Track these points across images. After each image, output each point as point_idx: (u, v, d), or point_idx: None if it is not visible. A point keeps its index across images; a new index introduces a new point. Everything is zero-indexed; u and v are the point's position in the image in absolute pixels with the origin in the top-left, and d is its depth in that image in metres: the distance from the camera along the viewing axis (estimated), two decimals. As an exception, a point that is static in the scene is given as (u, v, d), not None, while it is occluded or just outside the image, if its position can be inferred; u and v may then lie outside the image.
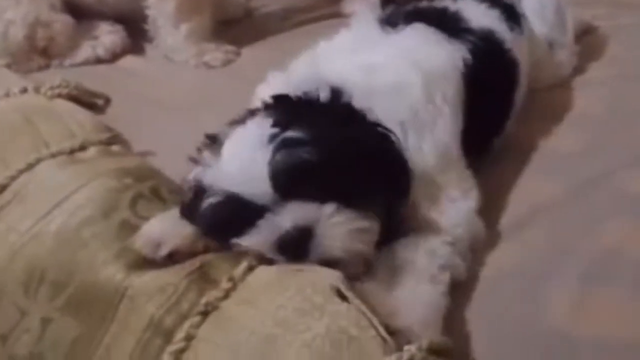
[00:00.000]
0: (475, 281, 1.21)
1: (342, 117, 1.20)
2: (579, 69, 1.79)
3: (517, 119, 1.57)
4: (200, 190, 1.15)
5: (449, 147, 1.30)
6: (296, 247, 1.10)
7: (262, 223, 1.10)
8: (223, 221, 1.13)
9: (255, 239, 1.12)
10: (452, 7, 1.57)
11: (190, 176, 1.19)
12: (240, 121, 1.20)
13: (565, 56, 1.78)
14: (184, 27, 1.99)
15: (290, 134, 1.12)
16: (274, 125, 1.13)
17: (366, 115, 1.21)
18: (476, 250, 1.24)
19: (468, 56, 1.42)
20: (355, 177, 1.13)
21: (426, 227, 1.20)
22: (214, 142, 1.19)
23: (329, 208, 1.09)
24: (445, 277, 1.15)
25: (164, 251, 1.18)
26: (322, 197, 1.10)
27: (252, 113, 1.21)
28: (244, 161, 1.11)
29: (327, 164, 1.11)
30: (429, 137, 1.27)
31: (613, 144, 1.52)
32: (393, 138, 1.20)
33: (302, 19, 2.21)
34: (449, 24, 1.48)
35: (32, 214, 1.28)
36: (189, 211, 1.18)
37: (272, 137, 1.11)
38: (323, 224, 1.09)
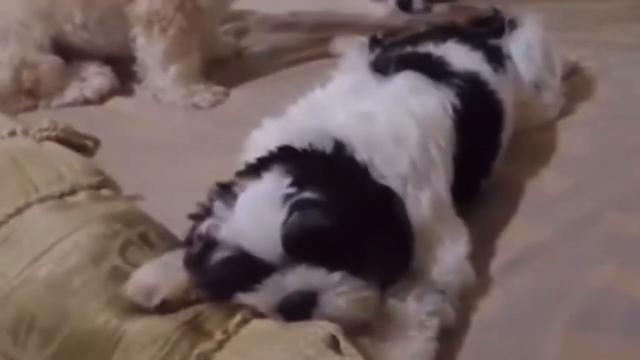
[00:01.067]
0: (466, 326, 1.21)
1: (353, 176, 1.20)
2: (565, 110, 1.80)
3: (504, 160, 1.58)
4: (210, 243, 1.14)
5: (443, 196, 1.31)
6: (298, 310, 1.10)
7: (268, 282, 1.10)
8: (230, 276, 1.12)
9: (259, 297, 1.11)
10: (436, 52, 1.59)
11: (203, 228, 1.16)
12: (253, 172, 1.19)
13: (552, 98, 1.78)
14: (173, 69, 1.99)
15: (305, 195, 1.11)
16: (291, 184, 1.12)
17: (369, 171, 1.22)
18: (466, 296, 1.24)
19: (456, 101, 1.43)
20: (365, 243, 1.13)
21: (418, 275, 1.21)
22: (226, 191, 1.18)
23: (336, 276, 1.09)
24: (434, 323, 1.15)
25: (156, 300, 1.17)
26: (331, 262, 1.10)
27: (264, 164, 1.20)
28: (258, 219, 1.10)
29: (340, 230, 1.11)
30: (426, 187, 1.27)
31: (600, 185, 1.53)
32: (398, 199, 1.20)
33: (291, 59, 2.21)
34: (435, 70, 1.50)
35: (21, 260, 1.26)
36: (196, 262, 1.16)
37: (288, 197, 1.11)
38: (328, 292, 1.09)
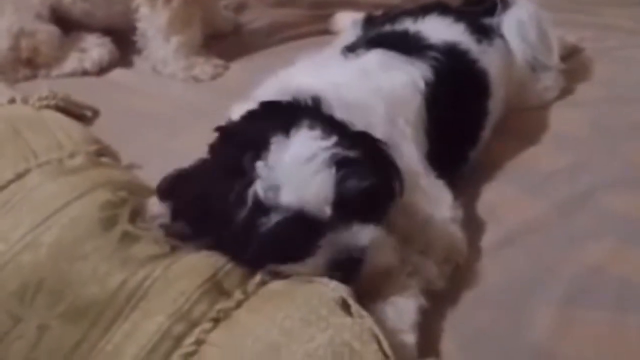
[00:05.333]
0: (459, 298, 1.23)
1: (364, 134, 1.22)
2: (565, 90, 1.81)
3: (502, 138, 1.59)
4: (260, 207, 1.12)
5: (416, 167, 1.33)
6: (353, 266, 1.13)
7: (324, 242, 1.12)
8: (289, 239, 1.12)
9: (316, 260, 1.13)
10: (413, 27, 1.60)
11: (251, 191, 1.13)
12: (277, 127, 1.16)
13: (551, 80, 1.79)
14: (175, 40, 1.99)
15: (346, 154, 1.13)
16: (334, 144, 1.13)
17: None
18: (459, 262, 1.27)
19: (429, 74, 1.45)
20: (388, 195, 1.19)
21: (403, 242, 1.23)
22: (257, 149, 1.14)
23: (380, 230, 1.14)
24: (413, 282, 1.18)
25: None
26: (369, 216, 1.14)
27: (277, 113, 1.22)
28: (307, 179, 1.11)
29: (380, 186, 1.15)
30: (397, 158, 1.27)
31: (596, 164, 1.56)
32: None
33: (290, 35, 2.21)
34: (409, 45, 1.51)
35: (24, 224, 1.26)
36: (247, 228, 1.13)
37: (331, 158, 1.12)
38: (375, 244, 1.13)
